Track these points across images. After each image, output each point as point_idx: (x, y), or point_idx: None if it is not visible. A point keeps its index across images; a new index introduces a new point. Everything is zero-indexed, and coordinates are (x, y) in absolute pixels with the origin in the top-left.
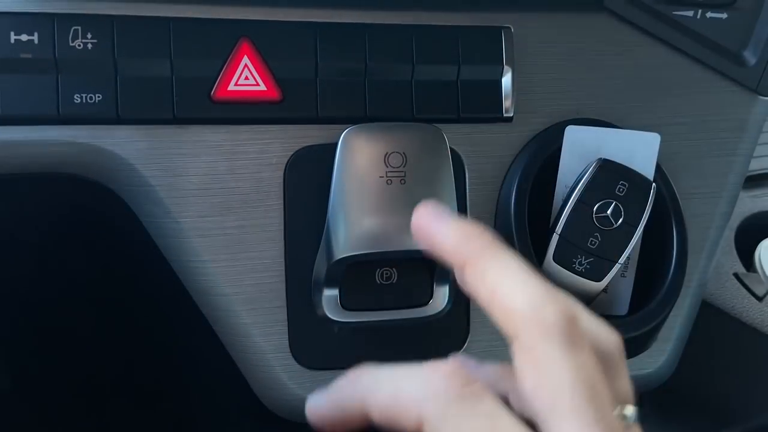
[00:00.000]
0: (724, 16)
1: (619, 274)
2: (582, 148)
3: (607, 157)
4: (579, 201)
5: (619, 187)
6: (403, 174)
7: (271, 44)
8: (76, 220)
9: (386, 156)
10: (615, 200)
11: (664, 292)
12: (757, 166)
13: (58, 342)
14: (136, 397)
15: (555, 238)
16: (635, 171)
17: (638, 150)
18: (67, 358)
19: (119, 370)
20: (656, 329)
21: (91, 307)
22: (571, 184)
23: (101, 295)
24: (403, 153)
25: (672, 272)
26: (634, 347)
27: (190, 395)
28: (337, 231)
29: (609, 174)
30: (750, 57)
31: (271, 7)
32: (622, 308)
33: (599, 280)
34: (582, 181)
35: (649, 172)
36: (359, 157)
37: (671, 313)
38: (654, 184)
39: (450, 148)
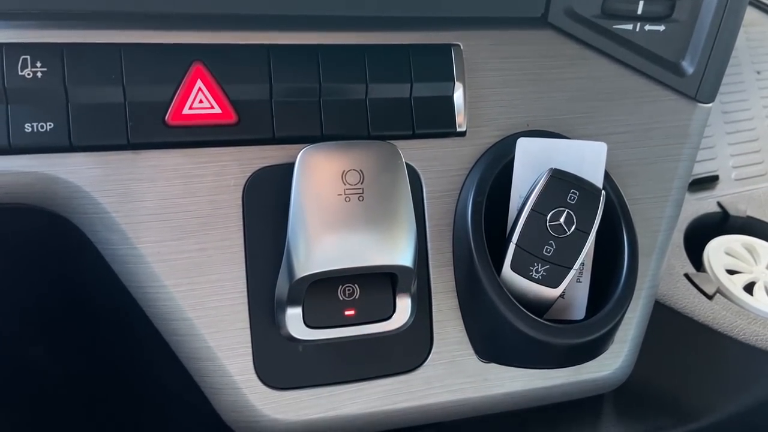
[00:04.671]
0: (662, 28)
1: (575, 280)
2: (533, 158)
3: (557, 167)
4: (533, 210)
5: (571, 196)
6: (360, 191)
7: (225, 67)
8: (30, 249)
9: (344, 174)
10: (567, 208)
11: (618, 295)
12: (701, 169)
13: (19, 375)
14: (97, 426)
15: (512, 247)
16: (585, 179)
17: (587, 159)
18: (27, 387)
19: (78, 398)
20: (612, 331)
21: (48, 336)
22: (524, 194)
23: (59, 324)
24: (360, 170)
25: (625, 275)
26: (592, 350)
27: (153, 422)
28: (297, 250)
29: (560, 183)
30: (688, 67)
31: (223, 31)
32: (579, 313)
33: (556, 286)
34: (535, 190)
35: (598, 180)
36: (317, 175)
37: (626, 316)
38: (603, 191)
39: (406, 163)
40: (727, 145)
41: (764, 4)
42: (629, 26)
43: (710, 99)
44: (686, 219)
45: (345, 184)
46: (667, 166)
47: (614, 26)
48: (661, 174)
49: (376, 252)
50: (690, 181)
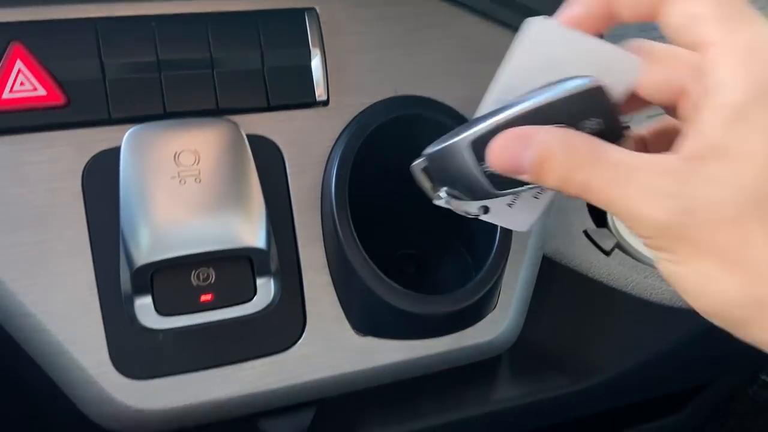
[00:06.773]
0: None
1: (532, 195)
2: (545, 53)
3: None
4: (540, 108)
5: (592, 123)
6: (197, 172)
7: (48, 46)
8: None
9: (176, 155)
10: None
11: (489, 262)
12: None
13: None
14: None
15: (489, 123)
16: (618, 117)
17: (612, 74)
18: None
19: None
20: (487, 298)
21: None
22: (514, 87)
23: None
24: (195, 150)
25: (497, 241)
26: (468, 318)
27: (11, 420)
28: (132, 238)
29: (591, 103)
30: None
31: (43, 6)
32: (522, 225)
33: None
34: (555, 90)
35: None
36: (145, 158)
37: (510, 279)
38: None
39: (264, 137)
40: None
41: None
42: None
43: None
44: None
45: (179, 166)
46: None
47: None
48: None
49: (219, 236)
50: None
